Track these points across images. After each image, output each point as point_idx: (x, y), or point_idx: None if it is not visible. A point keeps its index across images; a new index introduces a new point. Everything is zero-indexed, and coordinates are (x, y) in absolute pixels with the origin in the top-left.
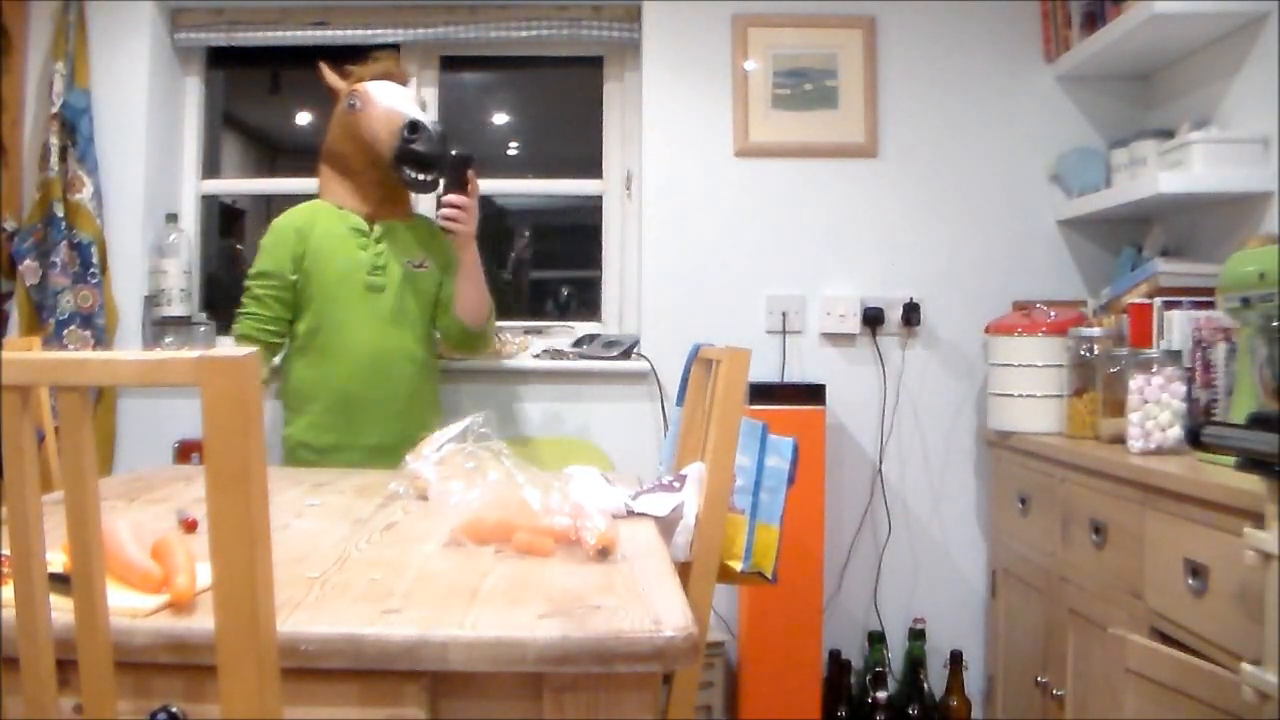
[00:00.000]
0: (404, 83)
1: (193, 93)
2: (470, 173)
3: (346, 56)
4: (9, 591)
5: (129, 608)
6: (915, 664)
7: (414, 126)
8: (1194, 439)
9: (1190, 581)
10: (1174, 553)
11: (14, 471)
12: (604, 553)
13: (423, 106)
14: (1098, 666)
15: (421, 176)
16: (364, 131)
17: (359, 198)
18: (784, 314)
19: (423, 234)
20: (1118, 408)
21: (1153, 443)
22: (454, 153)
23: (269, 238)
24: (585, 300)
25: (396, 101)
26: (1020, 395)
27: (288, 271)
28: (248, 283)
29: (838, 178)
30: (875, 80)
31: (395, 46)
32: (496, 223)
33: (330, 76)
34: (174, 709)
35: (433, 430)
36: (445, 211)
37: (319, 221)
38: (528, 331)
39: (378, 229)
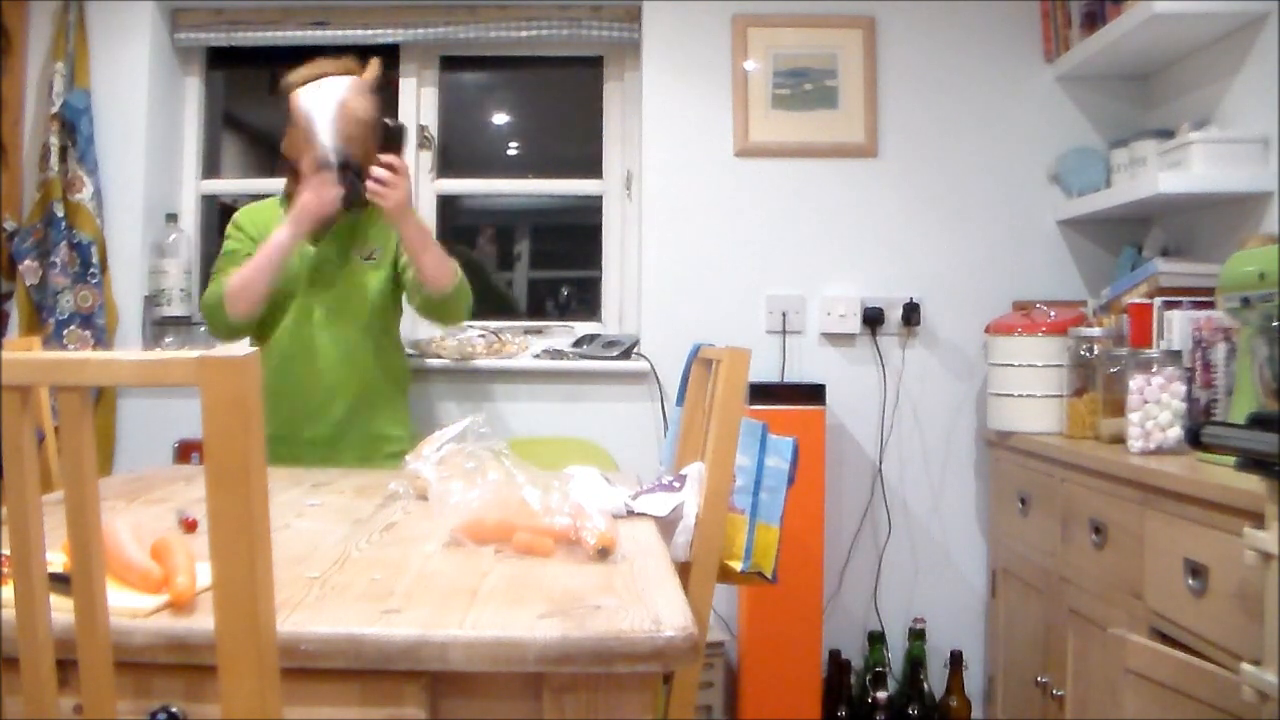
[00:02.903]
0: (347, 72)
1: (193, 93)
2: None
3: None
4: (9, 591)
5: (129, 608)
6: (915, 664)
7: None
8: (1194, 439)
9: (1190, 581)
10: (1174, 553)
11: (14, 471)
12: (604, 553)
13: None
14: (1098, 666)
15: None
16: (294, 146)
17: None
18: (784, 314)
19: (378, 221)
20: (1118, 408)
21: (1153, 443)
22: (387, 122)
23: (231, 226)
24: (585, 300)
25: (314, 117)
26: (1020, 395)
27: (248, 250)
28: (215, 270)
29: (838, 178)
30: (875, 80)
31: (395, 46)
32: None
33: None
34: (174, 709)
35: (389, 428)
36: (372, 185)
37: (277, 217)
38: (528, 331)
39: (330, 234)
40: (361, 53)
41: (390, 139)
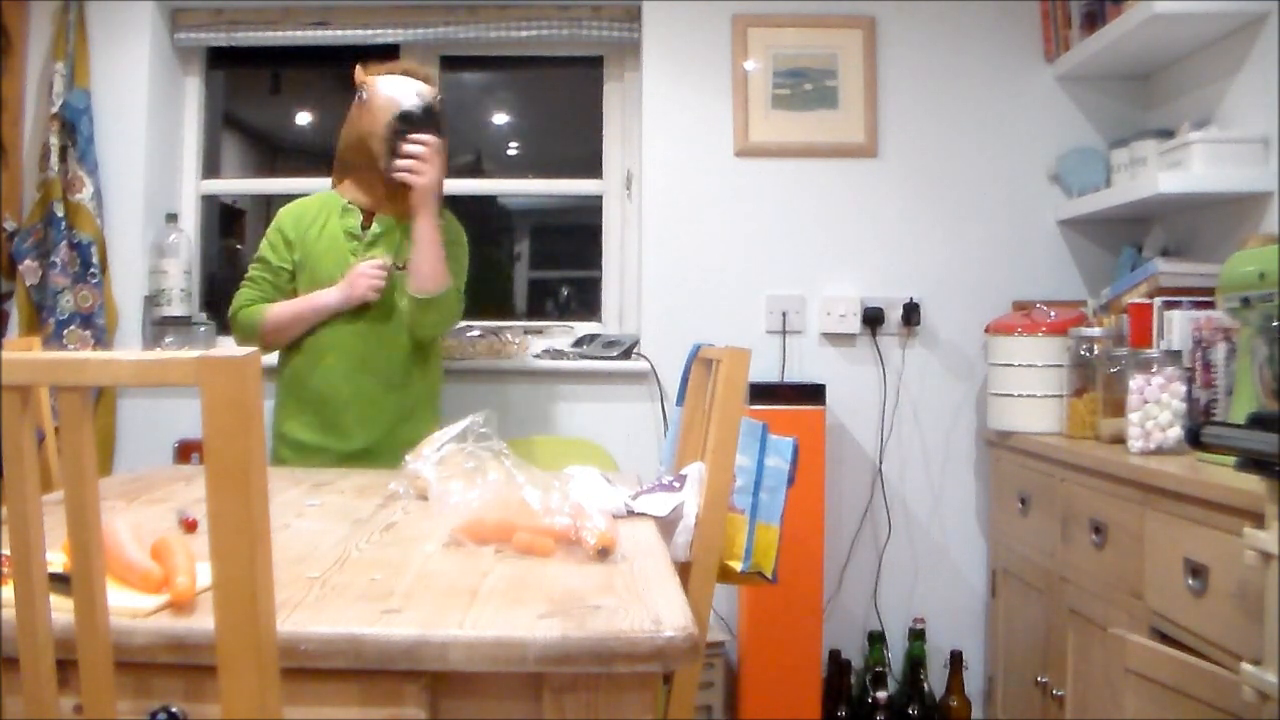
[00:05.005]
0: (427, 81)
1: (193, 93)
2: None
3: (347, 57)
4: (9, 591)
5: (129, 608)
6: (915, 664)
7: (405, 117)
8: (1194, 439)
9: (1190, 581)
10: (1174, 553)
11: (14, 471)
12: (604, 553)
13: (437, 104)
14: (1098, 666)
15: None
16: (364, 124)
17: (364, 193)
18: (784, 314)
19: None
20: (1118, 408)
21: (1153, 443)
22: (427, 102)
23: (271, 226)
24: (585, 300)
25: (398, 92)
26: (1020, 395)
27: (278, 259)
28: (248, 276)
29: (838, 178)
30: (875, 80)
31: (395, 46)
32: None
33: (358, 73)
34: (174, 709)
35: (424, 434)
36: (402, 162)
37: (321, 217)
38: (528, 331)
39: (373, 230)
40: (362, 53)
41: (428, 121)
